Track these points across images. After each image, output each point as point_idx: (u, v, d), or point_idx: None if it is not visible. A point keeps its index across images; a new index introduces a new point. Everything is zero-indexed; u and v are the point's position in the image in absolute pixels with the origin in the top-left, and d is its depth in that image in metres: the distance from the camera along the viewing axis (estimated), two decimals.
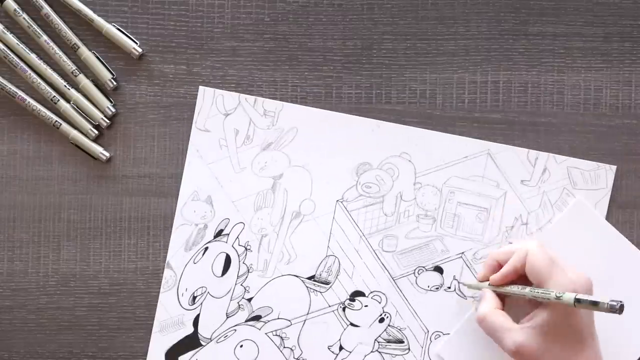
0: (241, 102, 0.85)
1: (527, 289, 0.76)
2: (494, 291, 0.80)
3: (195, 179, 0.85)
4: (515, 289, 0.78)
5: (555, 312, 0.75)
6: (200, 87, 0.85)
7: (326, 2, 0.85)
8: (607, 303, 0.68)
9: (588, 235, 0.84)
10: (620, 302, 0.68)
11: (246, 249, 0.85)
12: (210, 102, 0.85)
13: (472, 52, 0.85)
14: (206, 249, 0.85)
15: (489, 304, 0.79)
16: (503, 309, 0.79)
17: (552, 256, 0.77)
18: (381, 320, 0.85)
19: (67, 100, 0.84)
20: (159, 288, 0.84)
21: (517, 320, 0.78)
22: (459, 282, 0.84)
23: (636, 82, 0.85)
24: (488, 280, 0.80)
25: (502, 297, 0.80)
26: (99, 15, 0.84)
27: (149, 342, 0.84)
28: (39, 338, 0.85)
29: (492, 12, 0.85)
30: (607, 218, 0.84)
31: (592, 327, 0.76)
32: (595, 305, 0.70)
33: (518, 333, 0.76)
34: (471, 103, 0.85)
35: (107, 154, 0.84)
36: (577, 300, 0.71)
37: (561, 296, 0.72)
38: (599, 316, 0.76)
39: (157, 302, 0.84)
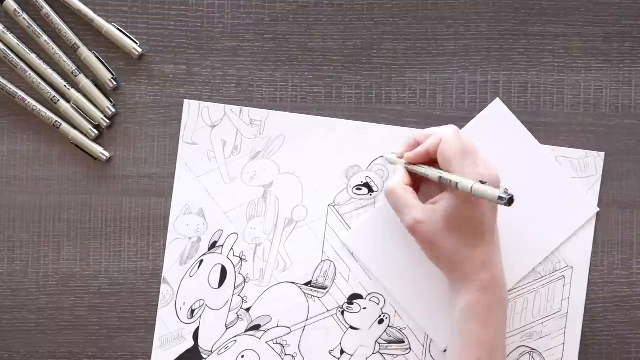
0: (227, 113, 0.85)
1: (437, 170, 0.75)
2: (408, 170, 0.79)
3: (186, 192, 0.85)
4: (426, 168, 0.77)
5: (459, 200, 0.74)
6: (185, 101, 0.84)
7: (326, 2, 0.85)
8: (498, 194, 0.68)
9: (503, 136, 0.84)
10: (511, 195, 0.67)
11: (241, 259, 0.85)
12: (196, 114, 0.85)
13: (472, 52, 0.85)
14: (201, 261, 0.85)
15: (398, 178, 0.79)
16: (417, 190, 0.79)
17: (467, 146, 0.75)
18: (380, 321, 0.85)
19: (67, 100, 0.84)
20: (159, 288, 0.84)
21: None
22: (383, 157, 0.84)
23: (636, 82, 0.85)
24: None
25: (418, 182, 0.80)
26: (99, 15, 0.84)
27: (148, 342, 0.84)
28: (39, 338, 0.85)
29: (492, 12, 0.85)
30: (607, 218, 0.84)
31: (493, 224, 0.76)
32: (487, 193, 0.69)
33: (420, 210, 0.76)
34: (471, 103, 0.85)
35: (107, 154, 0.84)
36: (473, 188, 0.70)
37: (460, 182, 0.71)
38: (506, 220, 0.76)
39: (157, 301, 0.84)
